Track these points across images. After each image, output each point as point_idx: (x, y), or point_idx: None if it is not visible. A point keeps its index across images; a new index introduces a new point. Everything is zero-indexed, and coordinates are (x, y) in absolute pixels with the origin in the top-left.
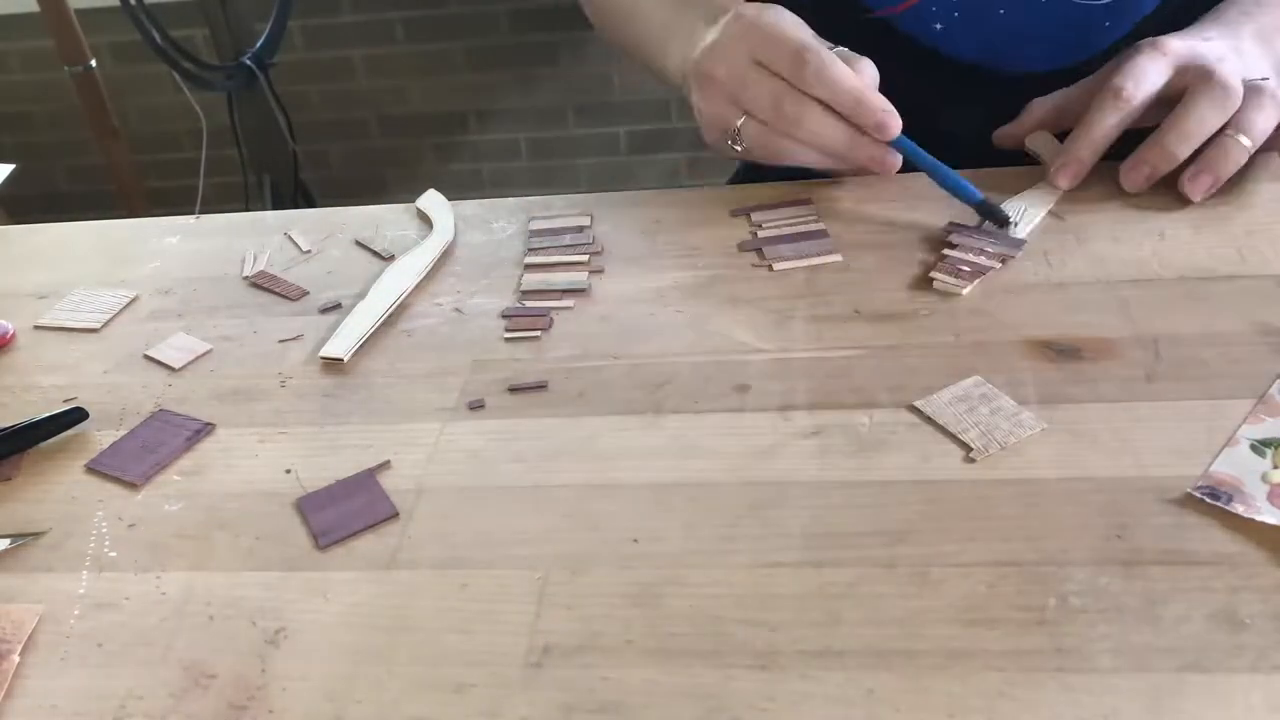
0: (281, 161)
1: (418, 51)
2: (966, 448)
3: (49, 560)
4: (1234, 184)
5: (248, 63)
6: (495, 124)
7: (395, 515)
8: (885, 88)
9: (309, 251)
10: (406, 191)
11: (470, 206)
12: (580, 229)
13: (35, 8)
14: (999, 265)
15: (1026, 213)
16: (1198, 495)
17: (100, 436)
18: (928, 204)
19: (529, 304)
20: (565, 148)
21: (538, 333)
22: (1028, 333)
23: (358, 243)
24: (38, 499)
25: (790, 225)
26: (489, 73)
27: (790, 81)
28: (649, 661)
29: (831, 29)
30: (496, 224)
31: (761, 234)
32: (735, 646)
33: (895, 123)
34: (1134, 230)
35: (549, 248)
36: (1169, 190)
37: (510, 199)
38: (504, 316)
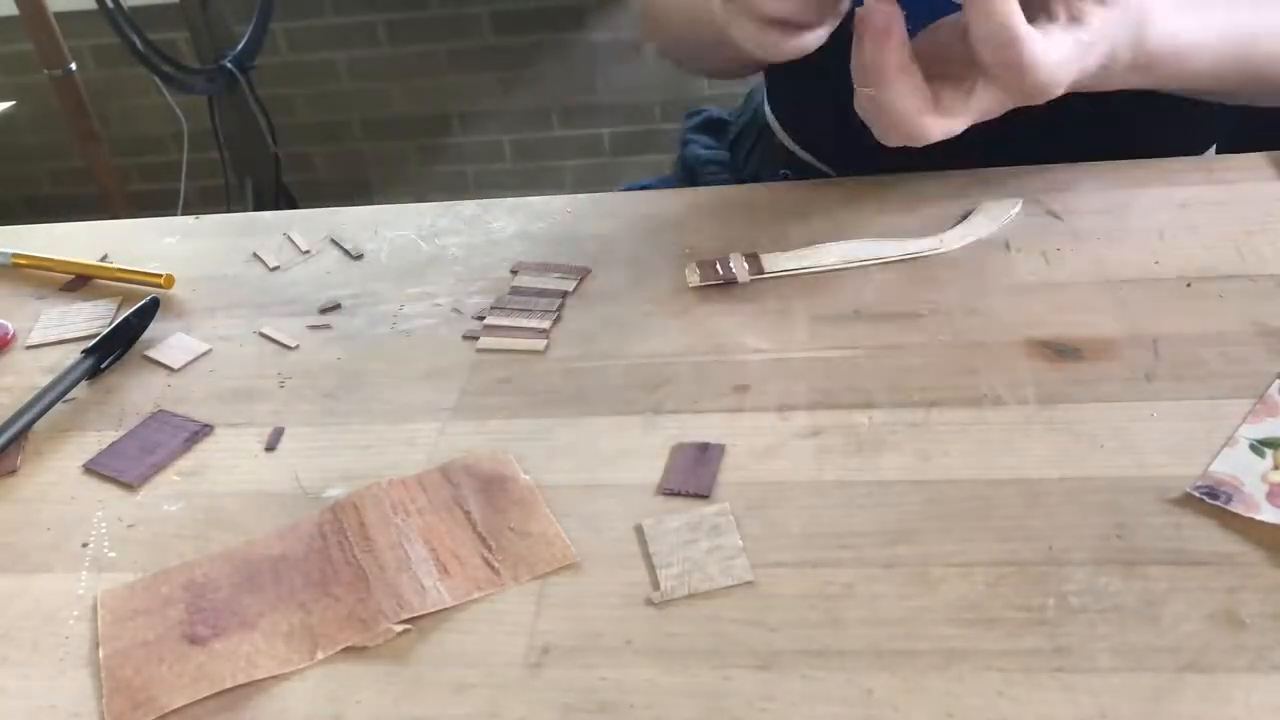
0: (263, 164)
1: (400, 54)
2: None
3: (49, 560)
4: (1233, 184)
5: (228, 65)
6: (479, 126)
7: None
8: (831, 61)
9: (308, 252)
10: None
11: (469, 206)
12: (562, 294)
13: (15, 11)
14: None
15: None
16: (1197, 495)
17: (99, 437)
18: (927, 204)
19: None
20: (549, 149)
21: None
22: (1028, 333)
23: (331, 240)
24: (38, 498)
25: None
26: (472, 75)
27: None
28: (649, 661)
29: None
30: (496, 224)
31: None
32: (735, 646)
33: None
34: (1133, 230)
35: (513, 309)
36: (1169, 189)
37: (518, 199)
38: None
